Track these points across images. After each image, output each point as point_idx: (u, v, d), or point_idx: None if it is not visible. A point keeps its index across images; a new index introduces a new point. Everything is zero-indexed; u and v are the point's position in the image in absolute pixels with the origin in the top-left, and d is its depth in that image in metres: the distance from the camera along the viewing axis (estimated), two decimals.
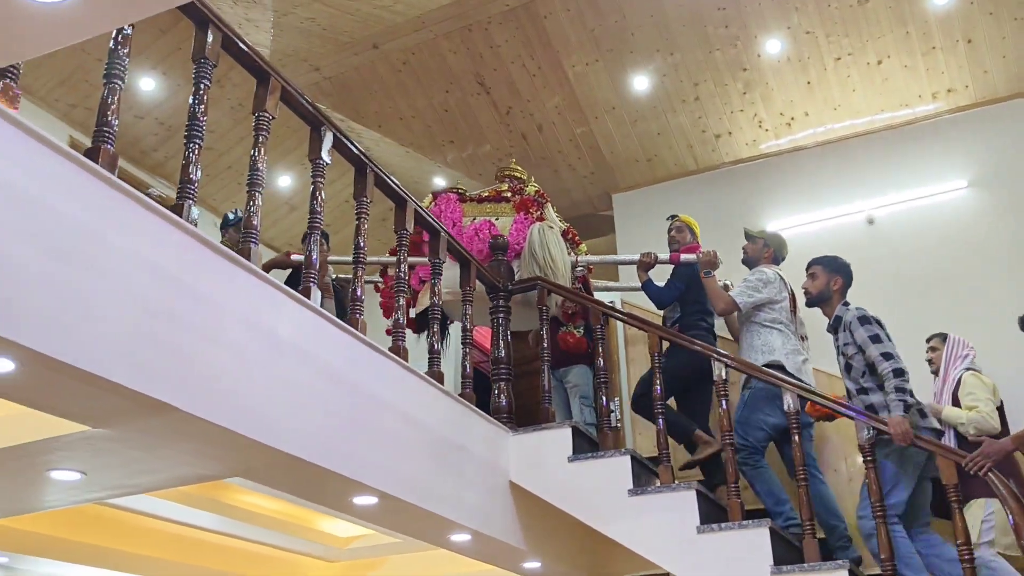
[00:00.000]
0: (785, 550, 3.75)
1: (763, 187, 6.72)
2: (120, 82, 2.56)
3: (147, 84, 6.45)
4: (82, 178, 2.27)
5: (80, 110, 6.38)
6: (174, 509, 4.31)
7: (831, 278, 4.33)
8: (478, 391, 4.28)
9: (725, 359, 4.13)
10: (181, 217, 2.58)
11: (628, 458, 4.02)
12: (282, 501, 4.40)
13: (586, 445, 4.27)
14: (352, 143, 3.66)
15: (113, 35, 2.59)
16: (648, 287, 4.96)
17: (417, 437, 3.54)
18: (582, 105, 6.62)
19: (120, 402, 2.34)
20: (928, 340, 4.86)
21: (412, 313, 5.05)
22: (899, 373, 3.89)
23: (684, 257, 4.97)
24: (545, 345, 4.52)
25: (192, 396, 2.45)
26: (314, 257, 3.26)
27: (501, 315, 4.60)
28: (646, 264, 4.98)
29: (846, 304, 4.28)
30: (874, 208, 6.33)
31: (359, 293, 3.50)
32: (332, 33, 6.13)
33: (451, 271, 4.50)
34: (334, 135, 3.52)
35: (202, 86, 2.87)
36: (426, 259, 4.40)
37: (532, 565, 4.53)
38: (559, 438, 4.18)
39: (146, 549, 4.53)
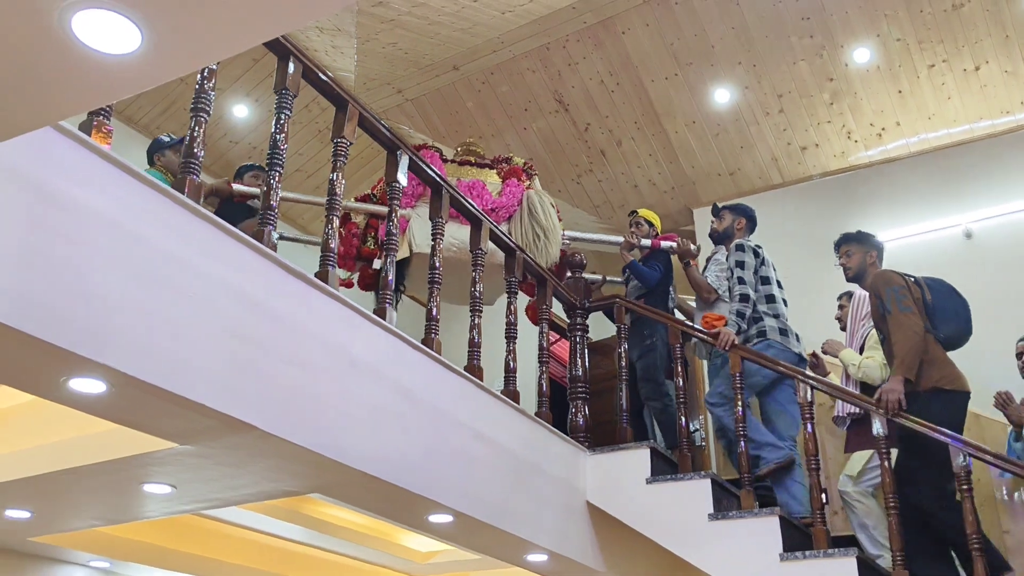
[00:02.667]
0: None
1: (853, 200, 6.53)
2: (206, 115, 2.67)
3: (240, 111, 6.71)
4: (169, 208, 2.38)
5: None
6: (262, 521, 4.45)
7: (736, 219, 4.91)
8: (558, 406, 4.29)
9: (811, 381, 4.02)
10: (261, 243, 2.68)
11: (708, 481, 3.96)
12: (364, 515, 4.49)
13: (665, 467, 4.21)
14: (427, 165, 3.74)
15: (200, 70, 2.72)
16: (636, 267, 5.08)
17: (492, 456, 3.57)
18: (662, 119, 6.57)
19: (204, 421, 2.45)
20: (839, 298, 5.09)
21: (376, 264, 4.65)
22: (744, 299, 4.49)
23: (664, 244, 5.18)
24: (623, 364, 4.49)
25: (271, 415, 2.53)
26: (390, 278, 3.33)
27: (579, 332, 4.60)
28: (629, 245, 5.14)
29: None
30: (972, 221, 6.08)
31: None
32: (413, 56, 6.27)
33: (455, 229, 4.47)
34: (410, 158, 3.60)
35: (283, 116, 2.98)
36: (401, 210, 4.06)
37: None
38: (637, 459, 4.15)
39: (236, 558, 4.68)
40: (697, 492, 3.93)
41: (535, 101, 6.61)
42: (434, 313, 3.57)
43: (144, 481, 3.04)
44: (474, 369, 3.68)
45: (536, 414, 4.05)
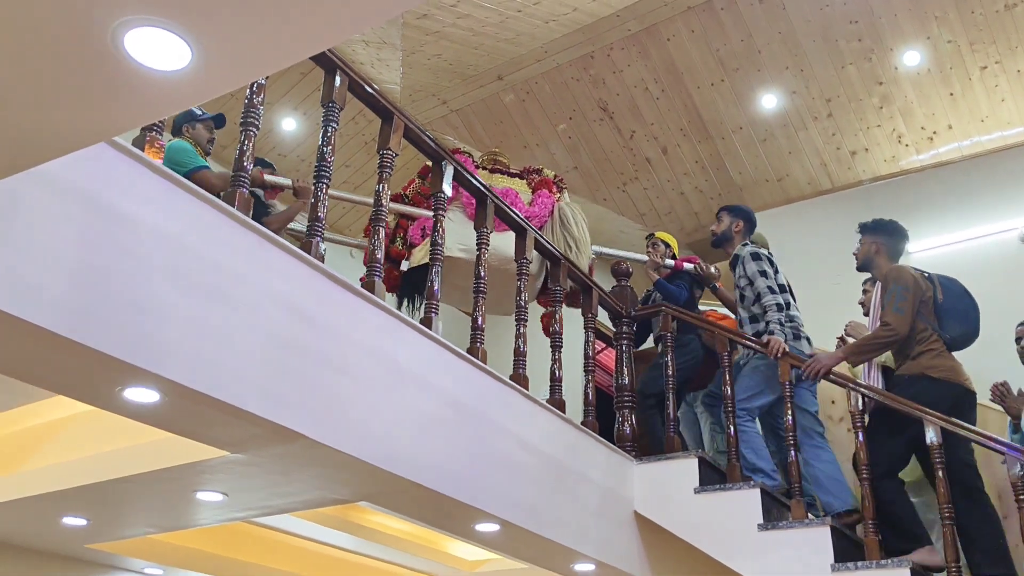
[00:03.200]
0: None
1: (905, 205, 6.39)
2: (255, 129, 2.72)
3: (289, 124, 6.82)
4: (219, 220, 2.43)
5: (230, 151, 6.78)
6: (312, 528, 4.50)
7: (734, 221, 4.84)
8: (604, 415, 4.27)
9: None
10: (309, 254, 2.72)
11: (757, 491, 3.91)
12: (412, 523, 4.52)
13: (714, 476, 4.17)
14: (472, 176, 3.76)
15: (249, 85, 2.77)
16: (664, 285, 5.04)
17: (539, 465, 3.57)
18: (707, 126, 6.53)
19: (254, 429, 2.49)
20: (863, 283, 5.01)
21: (404, 266, 4.63)
22: (780, 307, 4.44)
23: (686, 266, 5.20)
24: (670, 372, 4.46)
25: (319, 424, 2.56)
26: (436, 286, 3.35)
27: (625, 341, 4.58)
28: (655, 264, 5.14)
29: (744, 244, 4.73)
30: None
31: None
32: (458, 67, 6.31)
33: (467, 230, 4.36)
34: (455, 168, 3.62)
35: (330, 128, 3.02)
36: (430, 212, 4.05)
37: None
38: (685, 469, 4.11)
39: (287, 566, 4.74)
40: (746, 502, 3.89)
41: (579, 110, 6.61)
42: (479, 322, 3.58)
43: (197, 489, 3.10)
44: (519, 378, 3.68)
45: (582, 423, 4.04)
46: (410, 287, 4.67)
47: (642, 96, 6.42)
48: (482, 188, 3.81)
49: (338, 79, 3.06)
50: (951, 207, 6.22)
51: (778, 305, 4.45)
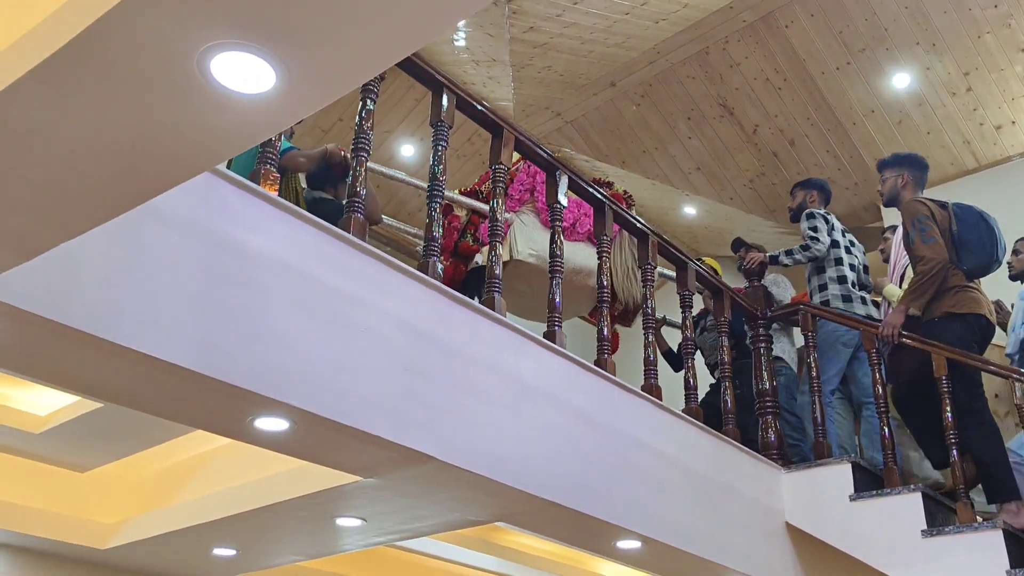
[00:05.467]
0: None
1: None
2: (366, 154, 2.74)
3: (407, 150, 6.94)
4: (336, 246, 2.45)
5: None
6: (455, 551, 4.49)
7: (808, 193, 4.85)
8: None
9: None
10: (427, 274, 2.70)
11: (919, 495, 3.63)
12: (554, 542, 4.44)
13: (870, 481, 3.91)
14: (588, 184, 3.67)
15: (358, 111, 2.79)
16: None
17: (678, 478, 3.43)
18: (836, 113, 6.21)
19: (384, 454, 2.48)
20: (883, 231, 5.04)
21: (479, 260, 4.54)
22: (811, 258, 4.59)
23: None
24: (814, 373, 4.21)
25: (447, 445, 2.53)
26: (558, 301, 3.28)
27: (763, 344, 4.37)
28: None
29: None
30: None
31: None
32: (569, 77, 6.25)
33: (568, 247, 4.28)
34: (569, 177, 3.55)
35: (440, 148, 3.01)
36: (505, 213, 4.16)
37: None
38: (838, 475, 3.87)
39: None
40: (907, 507, 3.62)
41: (698, 108, 6.42)
42: (605, 333, 3.48)
43: (336, 515, 3.13)
44: (652, 388, 3.55)
45: (723, 431, 3.86)
46: (477, 284, 4.59)
47: (763, 88, 6.17)
48: (600, 195, 3.72)
49: (445, 98, 3.04)
50: None
51: (809, 258, 4.57)
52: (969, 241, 4.06)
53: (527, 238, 4.29)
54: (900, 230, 4.60)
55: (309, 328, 2.28)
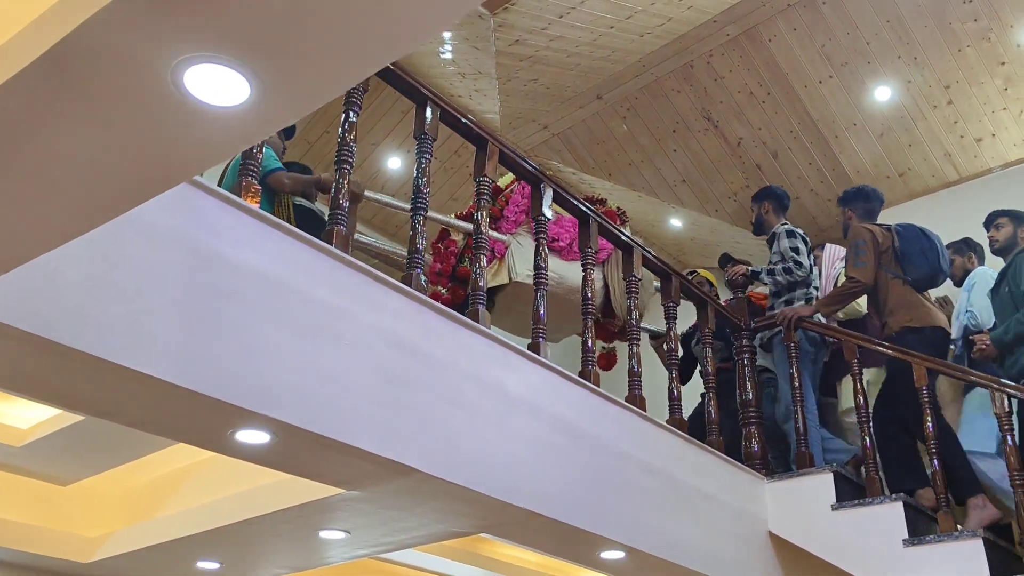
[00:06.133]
0: None
1: None
2: (349, 167, 2.75)
3: (394, 163, 6.95)
4: (319, 259, 2.45)
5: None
6: (440, 563, 4.48)
7: (760, 205, 5.02)
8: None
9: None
10: (410, 286, 2.71)
11: (900, 504, 3.66)
12: (540, 554, 4.44)
13: (852, 491, 3.93)
14: (573, 196, 3.70)
15: (341, 123, 2.81)
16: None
17: (663, 488, 3.44)
18: (819, 126, 6.25)
19: (366, 466, 2.48)
20: (813, 249, 5.20)
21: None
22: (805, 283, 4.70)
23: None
24: (796, 384, 4.24)
25: (431, 458, 2.54)
26: (542, 312, 3.30)
27: (746, 355, 4.40)
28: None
29: (783, 223, 4.90)
30: None
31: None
32: (555, 90, 6.28)
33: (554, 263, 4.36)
34: (554, 189, 3.57)
35: (424, 160, 3.03)
36: (501, 235, 4.40)
37: None
38: (820, 484, 3.90)
39: None
40: (889, 516, 3.65)
41: (683, 121, 6.46)
42: (589, 345, 3.50)
43: (319, 528, 3.13)
44: (636, 399, 3.57)
45: (706, 442, 3.88)
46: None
47: (747, 101, 6.21)
48: (585, 208, 3.74)
49: (429, 111, 3.06)
50: None
51: (803, 281, 4.67)
52: (911, 254, 4.42)
53: (525, 260, 4.31)
54: (828, 249, 5.27)
55: (291, 340, 2.28)
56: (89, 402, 2.20)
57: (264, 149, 3.80)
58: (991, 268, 4.78)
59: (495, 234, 4.51)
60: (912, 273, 4.38)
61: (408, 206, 3.02)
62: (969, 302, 4.64)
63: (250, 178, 2.46)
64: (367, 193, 4.22)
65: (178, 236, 2.11)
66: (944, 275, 4.47)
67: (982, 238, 4.91)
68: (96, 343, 1.90)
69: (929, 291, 4.54)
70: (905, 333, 4.24)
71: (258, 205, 2.36)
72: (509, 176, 4.88)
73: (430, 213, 4.45)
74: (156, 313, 2.02)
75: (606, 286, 4.79)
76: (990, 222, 4.56)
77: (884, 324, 4.41)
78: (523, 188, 4.56)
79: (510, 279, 4.40)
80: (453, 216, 4.81)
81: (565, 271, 4.45)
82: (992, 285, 4.50)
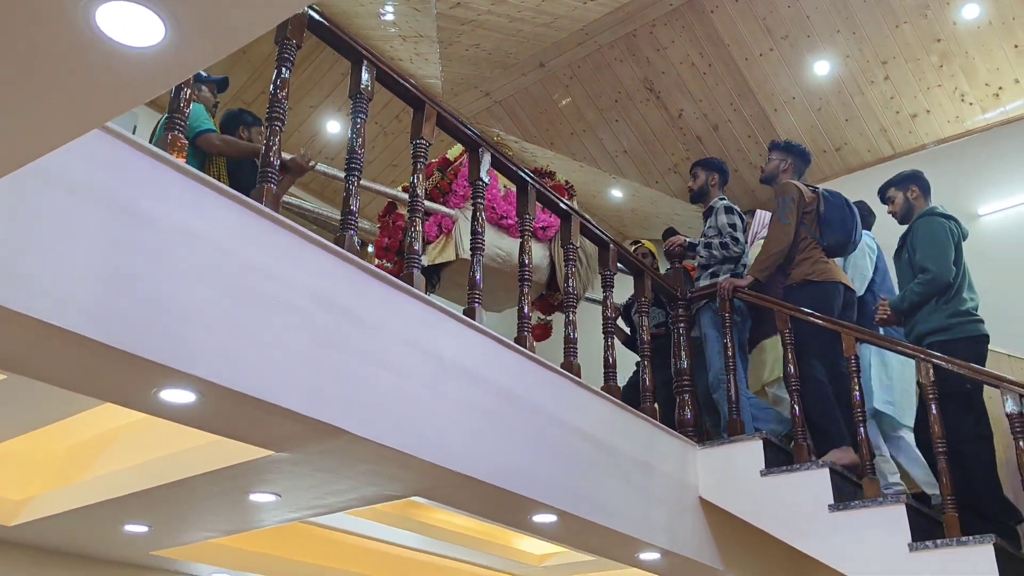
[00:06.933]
0: (1016, 569, 3.35)
1: (972, 166, 6.12)
2: (280, 124, 2.69)
3: (333, 127, 6.84)
4: (248, 218, 2.40)
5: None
6: (377, 528, 4.48)
7: (709, 175, 4.94)
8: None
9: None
10: (343, 248, 2.67)
11: (827, 471, 3.75)
12: (475, 519, 4.46)
13: (780, 458, 4.02)
14: (511, 162, 3.68)
15: (273, 80, 2.74)
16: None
17: (595, 454, 3.47)
18: (759, 99, 6.33)
19: (295, 427, 2.45)
20: (743, 214, 5.26)
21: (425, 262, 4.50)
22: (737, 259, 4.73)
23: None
24: (730, 353, 4.31)
25: (361, 419, 2.52)
26: (478, 278, 3.29)
27: (681, 324, 4.45)
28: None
29: (721, 198, 4.89)
30: None
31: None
32: (498, 56, 6.23)
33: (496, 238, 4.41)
34: (492, 155, 3.55)
35: (359, 120, 2.97)
36: (449, 210, 4.40)
37: None
38: (749, 451, 3.97)
39: (353, 566, 4.73)
40: (815, 482, 3.73)
41: (625, 92, 6.47)
42: (525, 312, 3.50)
43: (250, 490, 3.09)
44: (571, 366, 3.59)
45: (640, 409, 3.93)
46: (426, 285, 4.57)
47: (689, 72, 6.25)
48: (524, 174, 3.73)
49: (365, 70, 3.00)
50: (1022, 166, 5.91)
51: (737, 256, 4.71)
52: (832, 221, 4.54)
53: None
54: (758, 216, 5.33)
55: (217, 299, 2.24)
56: (7, 358, 2.13)
57: (193, 107, 3.72)
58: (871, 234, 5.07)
59: (443, 208, 4.48)
60: (828, 239, 4.53)
61: (375, 185, 2.97)
62: (851, 264, 4.89)
63: (176, 132, 2.39)
64: (320, 167, 4.15)
65: (101, 190, 2.04)
66: (854, 247, 4.64)
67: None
68: (14, 297, 1.83)
69: None
70: (805, 284, 4.41)
71: (184, 161, 2.29)
72: (458, 148, 4.85)
73: (377, 186, 4.41)
74: (75, 267, 1.96)
75: (552, 264, 4.80)
76: (882, 198, 4.66)
77: (787, 276, 4.54)
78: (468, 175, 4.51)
79: (457, 256, 4.37)
80: (400, 189, 4.76)
81: (512, 248, 4.43)
82: (872, 251, 4.78)
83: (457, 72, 6.42)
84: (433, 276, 4.54)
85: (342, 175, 4.14)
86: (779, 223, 4.51)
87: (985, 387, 3.95)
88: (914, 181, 4.51)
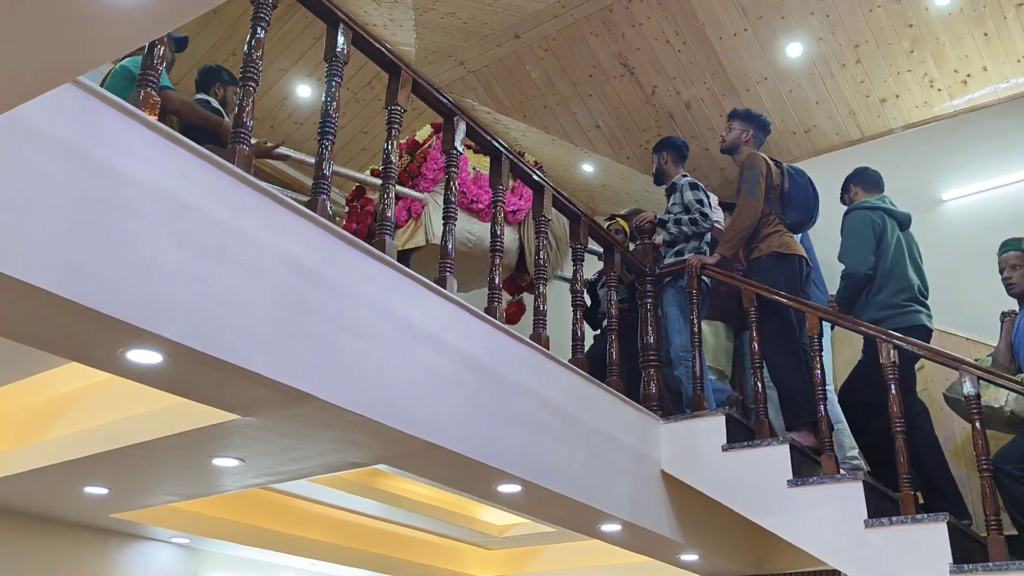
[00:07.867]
0: (965, 546, 3.44)
1: (939, 152, 6.20)
2: (254, 85, 2.65)
3: (304, 91, 6.74)
4: (220, 178, 2.37)
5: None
6: (339, 496, 4.48)
7: (660, 156, 5.01)
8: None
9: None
10: (315, 212, 2.65)
11: (787, 447, 3.82)
12: (438, 489, 4.48)
13: (742, 433, 4.08)
14: (486, 132, 3.66)
15: (248, 40, 2.69)
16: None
17: (561, 426, 3.50)
18: (732, 78, 6.34)
19: (262, 391, 2.44)
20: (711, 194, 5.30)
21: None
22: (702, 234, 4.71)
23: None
24: (696, 330, 4.35)
25: (329, 385, 2.51)
26: (451, 247, 3.28)
27: (649, 300, 4.48)
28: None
29: (684, 175, 4.90)
30: None
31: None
32: (473, 26, 6.17)
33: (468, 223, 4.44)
34: (467, 124, 3.52)
35: (333, 84, 2.94)
36: (418, 193, 4.40)
37: (690, 557, 4.39)
38: (712, 427, 4.02)
39: (315, 534, 4.74)
40: (775, 458, 3.80)
41: (600, 67, 6.44)
42: (496, 282, 3.50)
43: (213, 455, 3.07)
44: (540, 338, 3.60)
45: (606, 383, 3.95)
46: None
47: (663, 50, 6.24)
48: (497, 145, 3.71)
49: (340, 33, 2.96)
50: (988, 153, 6.00)
51: (704, 232, 4.71)
52: (796, 200, 4.65)
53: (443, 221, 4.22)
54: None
55: (187, 259, 2.21)
56: None
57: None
58: None
59: (412, 192, 4.43)
60: (791, 216, 4.62)
61: (347, 171, 2.92)
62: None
63: (149, 89, 2.34)
64: (281, 149, 4.09)
65: (70, 145, 2.00)
66: (812, 225, 4.76)
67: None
68: None
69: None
70: (772, 258, 4.48)
71: (156, 118, 2.24)
72: (427, 130, 4.80)
73: (346, 170, 4.37)
74: (43, 223, 1.92)
75: (521, 246, 4.79)
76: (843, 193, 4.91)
77: (753, 249, 4.60)
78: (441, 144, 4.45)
79: (427, 241, 4.32)
80: (369, 173, 4.71)
81: (483, 232, 4.41)
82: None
83: (432, 40, 6.35)
84: (403, 262, 4.49)
85: (310, 159, 4.14)
86: (747, 197, 4.53)
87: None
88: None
